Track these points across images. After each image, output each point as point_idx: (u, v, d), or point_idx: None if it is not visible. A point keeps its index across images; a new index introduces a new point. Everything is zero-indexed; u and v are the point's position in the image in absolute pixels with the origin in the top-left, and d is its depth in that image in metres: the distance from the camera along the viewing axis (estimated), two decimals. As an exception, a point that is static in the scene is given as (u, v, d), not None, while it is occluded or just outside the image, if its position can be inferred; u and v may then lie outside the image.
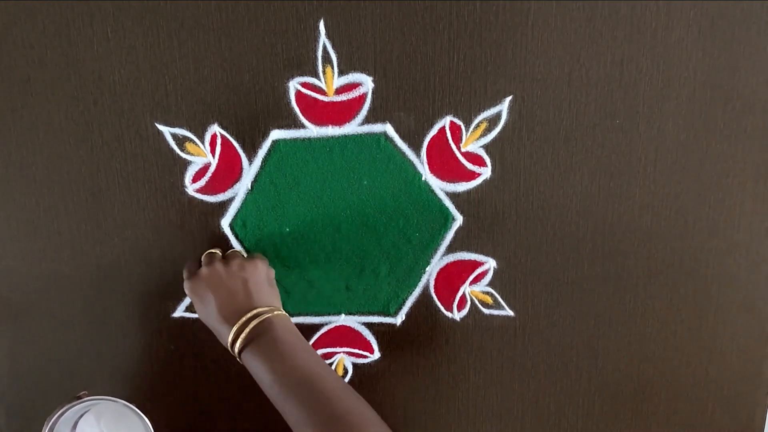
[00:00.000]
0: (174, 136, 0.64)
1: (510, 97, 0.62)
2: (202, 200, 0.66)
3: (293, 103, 0.63)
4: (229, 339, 0.56)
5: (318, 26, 0.61)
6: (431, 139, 0.64)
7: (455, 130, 0.63)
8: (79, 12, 0.61)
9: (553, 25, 0.60)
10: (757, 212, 0.64)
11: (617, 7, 0.59)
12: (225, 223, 0.67)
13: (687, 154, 0.63)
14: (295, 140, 0.64)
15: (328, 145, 0.64)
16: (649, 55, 0.60)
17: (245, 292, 0.59)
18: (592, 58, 0.60)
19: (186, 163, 0.65)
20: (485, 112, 0.63)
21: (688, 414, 0.71)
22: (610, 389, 0.71)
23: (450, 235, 0.66)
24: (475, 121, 0.63)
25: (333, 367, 0.71)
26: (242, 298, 0.58)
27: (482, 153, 0.64)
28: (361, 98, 0.63)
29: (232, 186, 0.66)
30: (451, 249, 0.67)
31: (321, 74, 0.62)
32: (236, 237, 0.67)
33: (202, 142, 0.64)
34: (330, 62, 0.62)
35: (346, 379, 0.72)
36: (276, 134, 0.64)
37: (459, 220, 0.66)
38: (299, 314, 0.70)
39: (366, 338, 0.70)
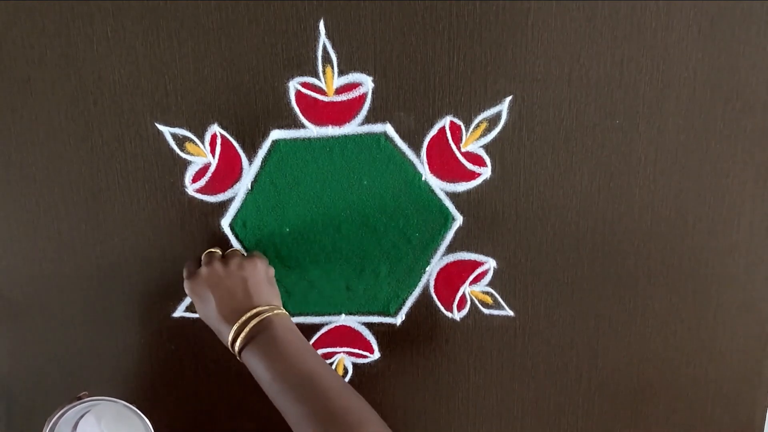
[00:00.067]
0: (174, 136, 0.64)
1: (510, 97, 0.62)
2: (202, 200, 0.66)
3: (293, 103, 0.63)
4: (230, 338, 0.56)
5: (318, 26, 0.61)
6: (431, 139, 0.64)
7: (455, 130, 0.63)
8: (79, 12, 0.61)
9: (553, 25, 0.60)
10: (757, 212, 0.64)
11: (617, 7, 0.59)
12: (225, 223, 0.67)
13: (687, 154, 0.63)
14: (295, 140, 0.64)
15: (328, 145, 0.64)
16: (649, 55, 0.60)
17: (244, 291, 0.59)
18: (592, 58, 0.60)
19: (186, 163, 0.65)
20: (485, 112, 0.63)
21: (688, 414, 0.71)
22: (610, 389, 0.71)
23: (450, 235, 0.66)
24: (475, 121, 0.63)
25: (333, 367, 0.71)
26: (241, 297, 0.58)
27: (482, 153, 0.64)
28: (361, 98, 0.63)
29: (232, 186, 0.66)
30: (451, 249, 0.67)
31: (321, 74, 0.62)
32: (236, 237, 0.67)
33: (202, 142, 0.64)
34: (330, 62, 0.62)
35: (346, 379, 0.72)
36: (276, 134, 0.64)
37: (459, 220, 0.66)
38: (299, 314, 0.70)
39: (366, 338, 0.71)
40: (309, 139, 0.64)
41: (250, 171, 0.65)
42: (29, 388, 0.73)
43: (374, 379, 0.71)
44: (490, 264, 0.67)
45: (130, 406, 0.58)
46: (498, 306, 0.68)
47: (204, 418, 0.73)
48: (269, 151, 0.65)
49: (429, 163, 0.64)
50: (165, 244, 0.67)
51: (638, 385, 0.70)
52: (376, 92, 0.62)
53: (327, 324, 0.70)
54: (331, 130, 0.64)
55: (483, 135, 0.63)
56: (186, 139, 0.64)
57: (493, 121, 0.63)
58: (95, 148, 0.65)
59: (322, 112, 0.63)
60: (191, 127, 0.64)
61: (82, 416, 0.62)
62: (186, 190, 0.66)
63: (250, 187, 0.66)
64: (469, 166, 0.64)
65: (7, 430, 0.75)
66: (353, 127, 0.64)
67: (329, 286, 0.69)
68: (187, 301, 0.69)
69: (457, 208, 0.66)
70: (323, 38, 0.61)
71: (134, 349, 0.71)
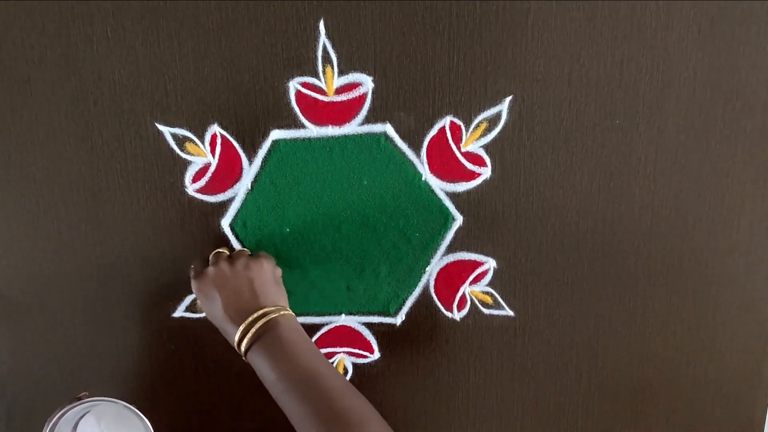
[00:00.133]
0: (174, 136, 0.64)
1: (510, 97, 0.62)
2: (202, 200, 0.66)
3: (293, 103, 0.63)
4: (236, 338, 0.56)
5: (318, 26, 0.61)
6: (431, 139, 0.64)
7: (455, 130, 0.63)
8: (79, 12, 0.61)
9: (553, 25, 0.60)
10: (757, 212, 0.64)
11: (617, 7, 0.59)
12: (225, 223, 0.67)
13: (687, 154, 0.63)
14: (295, 140, 0.64)
15: (328, 145, 0.64)
16: (649, 55, 0.60)
17: (251, 291, 0.59)
18: (592, 58, 0.60)
19: (186, 163, 0.65)
20: (485, 112, 0.63)
21: (687, 414, 0.71)
22: (609, 389, 0.71)
23: (450, 235, 0.66)
24: (475, 121, 0.63)
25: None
26: (248, 297, 0.58)
27: (482, 153, 0.64)
28: (361, 98, 0.63)
29: (232, 186, 0.66)
30: (451, 249, 0.67)
31: (321, 74, 0.62)
32: (236, 237, 0.67)
33: (202, 142, 0.64)
34: (330, 62, 0.62)
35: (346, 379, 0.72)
36: (276, 134, 0.64)
37: (459, 220, 0.66)
38: (300, 314, 0.70)
39: (366, 338, 0.71)
40: (309, 139, 0.64)
41: (250, 171, 0.65)
42: (29, 388, 0.73)
43: (374, 379, 0.71)
44: (490, 264, 0.67)
45: (130, 406, 0.58)
46: (498, 306, 0.68)
47: (204, 418, 0.74)
48: (269, 151, 0.65)
49: (429, 163, 0.64)
50: (165, 244, 0.67)
51: (638, 385, 0.70)
52: (376, 92, 0.62)
53: (327, 324, 0.70)
54: (331, 130, 0.64)
55: (483, 135, 0.63)
56: (186, 139, 0.64)
57: (493, 121, 0.63)
58: (95, 148, 0.65)
59: (322, 112, 0.63)
60: (191, 127, 0.64)
61: (82, 416, 0.61)
62: (186, 190, 0.66)
63: (250, 187, 0.66)
64: (469, 166, 0.64)
65: (7, 430, 0.75)
66: (353, 127, 0.64)
67: (329, 286, 0.69)
68: (187, 301, 0.69)
69: (457, 208, 0.66)
70: (323, 38, 0.61)
71: (134, 349, 0.71)
